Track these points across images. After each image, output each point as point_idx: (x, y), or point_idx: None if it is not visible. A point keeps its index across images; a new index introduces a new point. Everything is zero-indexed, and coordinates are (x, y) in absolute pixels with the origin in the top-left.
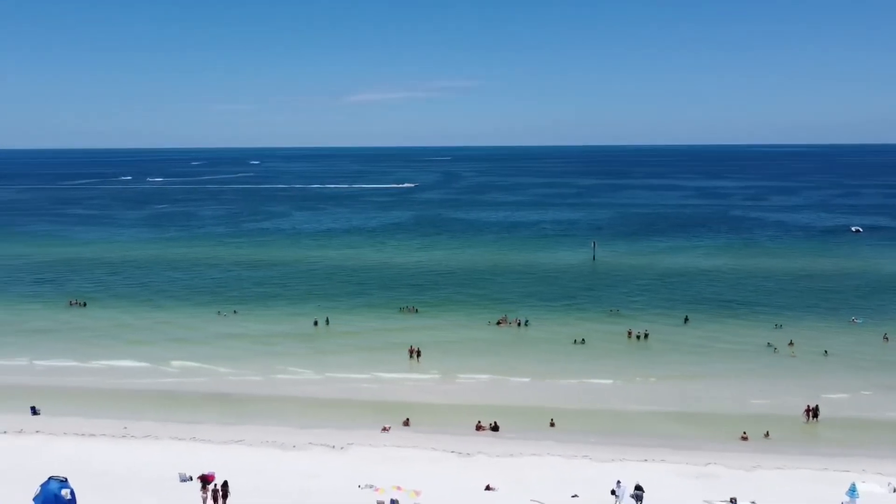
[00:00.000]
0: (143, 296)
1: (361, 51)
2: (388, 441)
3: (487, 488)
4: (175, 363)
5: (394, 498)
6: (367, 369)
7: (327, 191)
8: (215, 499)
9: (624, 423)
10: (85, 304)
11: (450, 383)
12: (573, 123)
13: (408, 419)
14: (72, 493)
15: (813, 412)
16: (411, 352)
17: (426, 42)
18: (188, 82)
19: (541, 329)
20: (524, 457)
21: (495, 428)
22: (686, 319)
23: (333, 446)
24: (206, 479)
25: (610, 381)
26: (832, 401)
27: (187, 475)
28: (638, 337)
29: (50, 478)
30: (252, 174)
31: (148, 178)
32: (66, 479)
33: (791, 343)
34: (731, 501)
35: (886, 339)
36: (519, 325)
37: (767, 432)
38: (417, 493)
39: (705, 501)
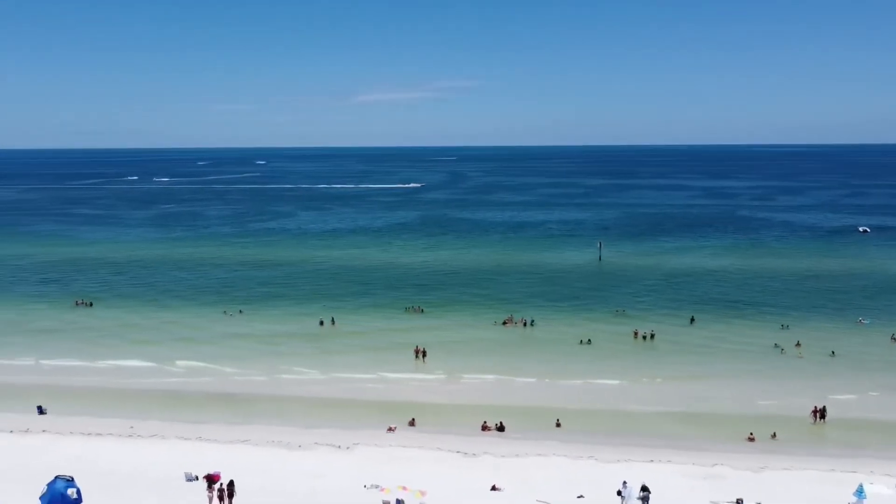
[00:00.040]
0: (148, 295)
1: (362, 51)
2: (394, 441)
3: (493, 488)
4: (181, 363)
5: (399, 498)
6: (373, 369)
7: (333, 191)
8: (221, 498)
9: (630, 423)
10: (91, 304)
11: (455, 383)
12: (574, 123)
13: (413, 419)
14: (78, 492)
15: (820, 413)
16: (417, 352)
17: (428, 42)
18: (190, 82)
19: (547, 329)
20: (530, 457)
21: (501, 428)
22: (692, 320)
23: (339, 446)
24: (211, 479)
25: (616, 382)
26: (839, 402)
27: (193, 475)
28: (644, 337)
29: (56, 477)
30: (258, 174)
31: (154, 178)
32: (73, 479)
33: (798, 344)
34: (737, 502)
35: (894, 339)
36: (525, 325)
37: (774, 433)
38: (423, 493)
39: (712, 502)
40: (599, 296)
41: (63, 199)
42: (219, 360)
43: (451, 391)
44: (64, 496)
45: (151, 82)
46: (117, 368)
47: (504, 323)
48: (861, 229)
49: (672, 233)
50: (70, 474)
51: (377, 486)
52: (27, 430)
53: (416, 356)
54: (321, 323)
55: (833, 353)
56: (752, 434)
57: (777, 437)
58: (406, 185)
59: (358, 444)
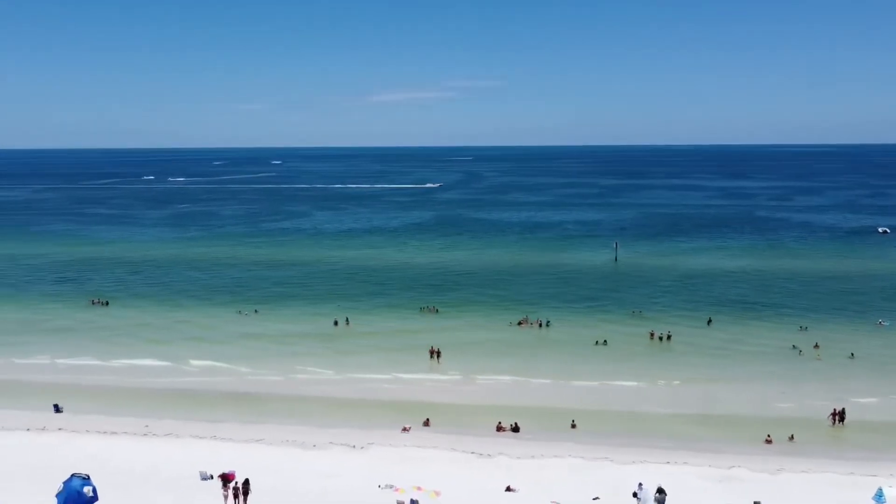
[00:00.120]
0: (164, 295)
1: (378, 50)
2: (409, 441)
3: (508, 489)
4: (196, 362)
5: (414, 498)
6: (388, 369)
7: (348, 191)
8: (236, 497)
9: (646, 425)
10: (107, 304)
11: (470, 384)
12: (586, 124)
13: (428, 419)
14: (94, 490)
15: (839, 416)
16: (432, 352)
17: (445, 41)
18: (209, 82)
19: (562, 330)
20: (545, 458)
21: (516, 429)
22: (709, 321)
23: (353, 446)
24: (226, 478)
25: (632, 383)
26: (859, 404)
27: (208, 473)
28: (661, 338)
29: (73, 475)
30: (273, 174)
31: (169, 178)
32: (89, 477)
33: (816, 345)
34: None
35: None
36: (540, 325)
37: (792, 435)
38: (437, 494)
39: None
40: (615, 297)
41: (79, 199)
42: (233, 359)
43: (466, 392)
44: (80, 494)
45: (158, 82)
46: (133, 367)
47: (519, 324)
48: (881, 230)
49: (688, 233)
50: (86, 472)
51: (391, 486)
52: (43, 429)
53: (431, 356)
54: (336, 323)
55: (852, 355)
56: (769, 436)
57: (795, 440)
58: (422, 186)
59: (372, 443)
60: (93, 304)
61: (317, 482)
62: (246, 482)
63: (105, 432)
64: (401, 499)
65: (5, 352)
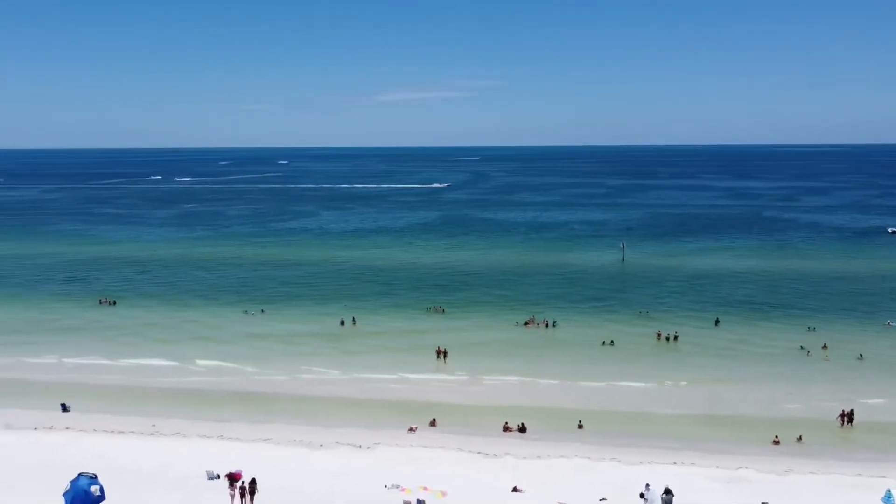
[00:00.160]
0: (171, 295)
1: (383, 49)
2: (415, 441)
3: (514, 490)
4: (203, 362)
5: (420, 498)
6: (394, 369)
7: (354, 191)
8: (243, 496)
9: (653, 425)
10: (114, 303)
11: (477, 384)
12: (586, 124)
13: (434, 420)
14: (101, 489)
15: (847, 417)
16: (438, 352)
17: (452, 40)
18: (205, 82)
19: (569, 330)
20: (551, 458)
21: (522, 429)
22: (717, 322)
23: (360, 446)
24: (233, 477)
25: (639, 384)
26: (867, 405)
27: (215, 473)
28: (667, 339)
29: (80, 474)
30: (279, 174)
31: (175, 178)
32: (96, 476)
33: (825, 346)
34: None
35: None
36: (547, 326)
37: (800, 436)
38: (444, 494)
39: None
40: (622, 297)
41: (86, 199)
42: (240, 359)
43: (473, 392)
44: (87, 493)
45: (158, 82)
46: (140, 367)
47: (526, 324)
48: (890, 230)
49: (696, 233)
50: (93, 471)
51: (398, 486)
52: (51, 428)
53: (438, 357)
54: (342, 323)
55: (861, 356)
56: (777, 437)
57: (803, 441)
58: (429, 186)
59: (379, 443)
60: (100, 303)
61: (323, 482)
62: (253, 482)
63: (112, 431)
64: (407, 499)
65: (13, 351)
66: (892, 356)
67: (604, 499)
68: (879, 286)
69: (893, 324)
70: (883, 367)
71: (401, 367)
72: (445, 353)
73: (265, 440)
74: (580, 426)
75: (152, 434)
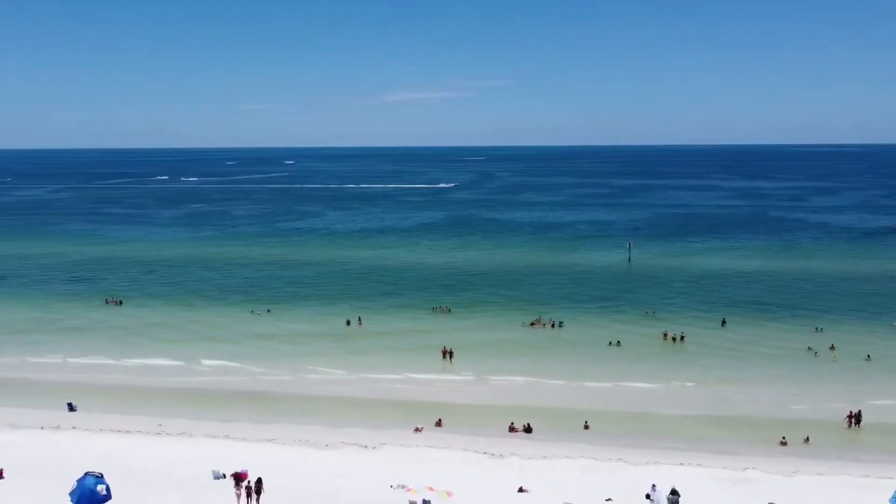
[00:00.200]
0: (177, 294)
1: (388, 49)
2: (421, 441)
3: (520, 490)
4: (209, 362)
5: (426, 498)
6: (400, 369)
7: (361, 190)
8: (249, 496)
9: (659, 426)
10: (120, 303)
11: (483, 384)
12: (586, 124)
13: (440, 420)
14: (107, 488)
15: (855, 418)
16: (444, 352)
17: (458, 40)
18: (218, 82)
19: (575, 331)
20: (557, 459)
21: (528, 430)
22: (723, 322)
23: (365, 446)
24: (239, 477)
25: (645, 384)
26: (875, 407)
27: (220, 473)
28: (674, 339)
29: (86, 473)
30: (286, 174)
31: (182, 178)
32: (102, 475)
33: (832, 347)
34: None
35: None
36: (553, 326)
37: (808, 437)
38: (450, 494)
39: None
40: (629, 297)
41: (92, 199)
42: (246, 359)
43: (479, 392)
44: (93, 492)
45: (158, 82)
46: (146, 367)
47: (532, 324)
48: None
49: (702, 233)
50: (99, 471)
51: (403, 487)
52: (58, 427)
53: (444, 357)
54: (348, 323)
55: (868, 356)
56: (784, 438)
57: (810, 442)
58: (435, 186)
59: (384, 443)
60: (106, 303)
61: (329, 482)
62: (259, 481)
63: (118, 431)
64: (413, 499)
65: (20, 350)
66: None
67: (610, 499)
68: (888, 287)
69: None
70: (891, 368)
71: (407, 367)
72: (451, 354)
73: (271, 440)
74: (586, 427)
75: (158, 434)
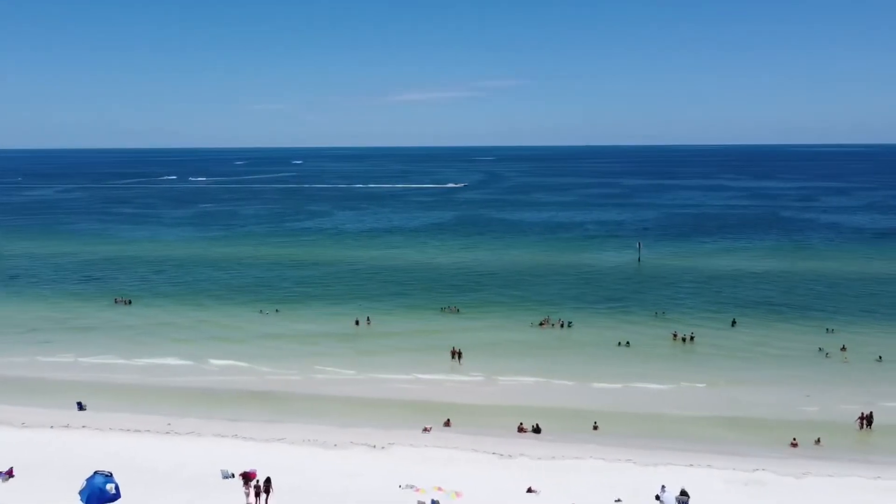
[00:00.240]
0: (186, 294)
1: (399, 50)
2: (430, 441)
3: (529, 490)
4: (218, 361)
5: (434, 498)
6: (409, 370)
7: (369, 190)
8: (258, 495)
9: (669, 427)
10: (130, 302)
11: (491, 385)
12: (587, 124)
13: (449, 420)
14: (116, 487)
15: (867, 419)
16: (453, 353)
17: (468, 40)
18: (228, 82)
19: (584, 331)
20: (566, 459)
21: (537, 430)
22: (734, 323)
23: (374, 446)
24: (248, 476)
25: (655, 385)
26: (886, 408)
27: (229, 472)
28: (684, 340)
29: (95, 472)
30: (295, 174)
31: (191, 178)
32: (111, 474)
33: (843, 348)
34: None
35: None
36: (562, 326)
37: (818, 439)
38: (458, 494)
39: None
40: (638, 297)
41: (102, 199)
42: (255, 358)
43: (488, 392)
44: (102, 491)
45: (158, 83)
46: (155, 366)
47: (541, 324)
48: None
49: (712, 234)
50: (109, 469)
51: (412, 487)
52: (67, 426)
53: (452, 357)
54: (357, 323)
55: (880, 358)
56: (795, 440)
57: (821, 444)
58: (444, 186)
59: (393, 443)
60: (116, 302)
61: (338, 482)
62: (267, 481)
63: (128, 430)
64: (421, 499)
65: (30, 349)
66: None
67: (619, 500)
68: None
69: None
70: None
71: (415, 368)
72: (460, 354)
73: (280, 439)
74: (595, 427)
75: (167, 433)
